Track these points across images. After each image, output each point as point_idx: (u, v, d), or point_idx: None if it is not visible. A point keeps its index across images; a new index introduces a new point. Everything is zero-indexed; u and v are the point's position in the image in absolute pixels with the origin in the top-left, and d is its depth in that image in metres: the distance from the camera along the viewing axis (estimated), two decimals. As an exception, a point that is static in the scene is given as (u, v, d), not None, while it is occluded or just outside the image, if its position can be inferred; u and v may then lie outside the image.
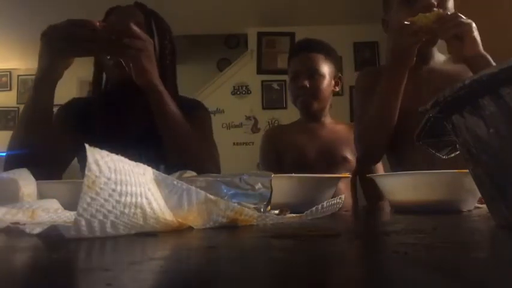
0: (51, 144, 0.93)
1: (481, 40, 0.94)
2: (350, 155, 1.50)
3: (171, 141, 0.97)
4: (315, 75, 1.49)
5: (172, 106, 0.96)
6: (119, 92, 1.06)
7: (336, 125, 1.60)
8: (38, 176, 0.71)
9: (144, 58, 0.89)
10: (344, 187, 1.45)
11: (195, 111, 1.12)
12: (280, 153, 1.58)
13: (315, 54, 1.51)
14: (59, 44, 0.85)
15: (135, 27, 0.88)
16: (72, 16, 0.87)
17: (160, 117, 0.96)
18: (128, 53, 0.88)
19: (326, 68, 1.51)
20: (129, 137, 1.04)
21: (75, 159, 1.10)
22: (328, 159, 1.49)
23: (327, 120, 1.59)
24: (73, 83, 4.45)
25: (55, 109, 0.99)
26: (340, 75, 1.60)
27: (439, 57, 1.18)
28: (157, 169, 0.45)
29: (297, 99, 1.53)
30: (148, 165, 0.43)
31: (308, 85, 1.48)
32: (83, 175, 1.06)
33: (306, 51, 1.52)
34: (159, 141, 0.97)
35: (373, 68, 1.43)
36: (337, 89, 1.58)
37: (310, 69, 1.49)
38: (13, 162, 0.85)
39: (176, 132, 0.96)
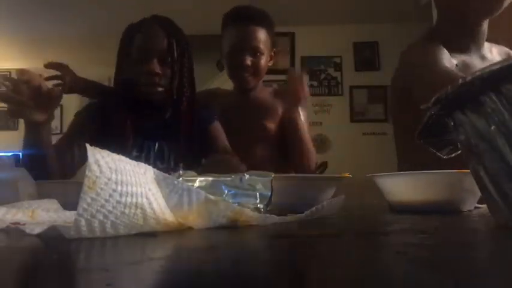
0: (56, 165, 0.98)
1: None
2: (269, 122, 1.41)
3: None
4: (257, 53, 1.36)
5: None
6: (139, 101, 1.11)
7: (262, 92, 1.49)
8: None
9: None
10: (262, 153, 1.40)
11: (206, 124, 1.19)
12: None
13: (257, 29, 1.37)
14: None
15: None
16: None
17: None
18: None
19: (267, 44, 1.39)
20: (143, 135, 1.11)
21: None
22: (249, 128, 1.39)
23: (257, 91, 1.47)
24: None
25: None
26: (275, 49, 1.47)
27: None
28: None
29: (236, 75, 1.41)
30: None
31: (250, 64, 1.36)
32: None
33: (247, 23, 1.37)
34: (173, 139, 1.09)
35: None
36: (271, 63, 1.46)
37: (251, 47, 1.36)
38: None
39: None
